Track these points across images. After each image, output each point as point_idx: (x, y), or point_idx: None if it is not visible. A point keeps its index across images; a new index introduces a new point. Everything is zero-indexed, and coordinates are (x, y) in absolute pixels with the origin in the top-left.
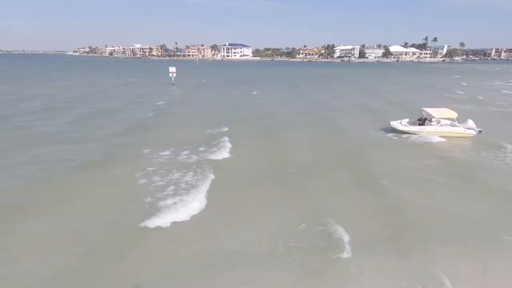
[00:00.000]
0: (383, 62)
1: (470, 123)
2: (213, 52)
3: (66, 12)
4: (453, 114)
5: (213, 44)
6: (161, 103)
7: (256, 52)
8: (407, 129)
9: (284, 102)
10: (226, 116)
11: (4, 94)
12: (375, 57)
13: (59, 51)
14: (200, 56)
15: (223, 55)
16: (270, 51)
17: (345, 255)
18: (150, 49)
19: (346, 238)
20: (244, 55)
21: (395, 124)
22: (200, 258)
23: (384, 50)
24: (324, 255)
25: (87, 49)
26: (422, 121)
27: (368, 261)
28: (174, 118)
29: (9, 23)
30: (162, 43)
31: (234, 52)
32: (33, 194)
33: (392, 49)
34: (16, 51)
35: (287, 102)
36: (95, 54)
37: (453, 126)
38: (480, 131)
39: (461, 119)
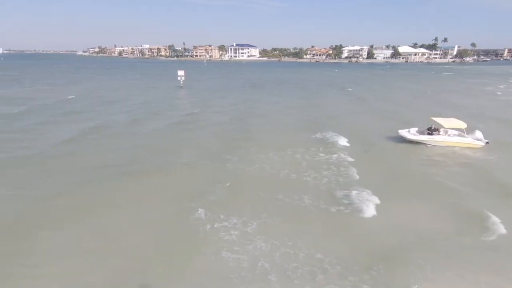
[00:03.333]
0: (392, 63)
1: (478, 134)
2: (220, 52)
3: (75, 12)
4: (462, 125)
5: (221, 44)
6: (235, 112)
7: (263, 53)
8: (416, 138)
9: (362, 112)
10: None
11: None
12: (384, 57)
13: (69, 51)
14: (207, 56)
15: (231, 56)
16: (278, 51)
17: None
18: (158, 49)
19: None
20: (251, 56)
21: (404, 133)
22: None
23: (393, 51)
24: None
25: (96, 49)
26: (431, 131)
27: None
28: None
29: (21, 24)
30: (170, 43)
31: (242, 53)
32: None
33: (401, 49)
34: (28, 50)
35: (365, 112)
36: (105, 54)
37: (461, 136)
38: (487, 142)
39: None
